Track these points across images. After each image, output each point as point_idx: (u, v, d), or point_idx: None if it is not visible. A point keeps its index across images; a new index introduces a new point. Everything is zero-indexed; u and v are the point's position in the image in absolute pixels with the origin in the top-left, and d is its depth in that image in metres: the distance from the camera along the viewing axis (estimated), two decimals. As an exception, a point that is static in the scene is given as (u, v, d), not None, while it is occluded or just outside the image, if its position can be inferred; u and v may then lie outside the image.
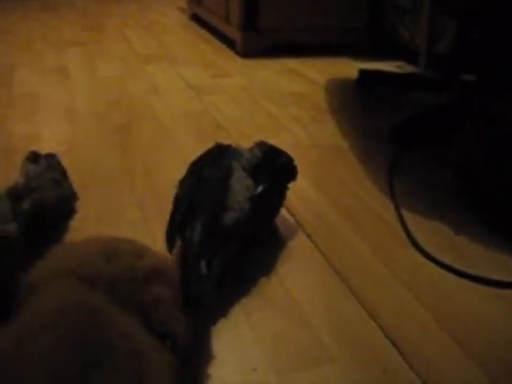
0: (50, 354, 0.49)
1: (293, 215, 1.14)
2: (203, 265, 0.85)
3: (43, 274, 0.67)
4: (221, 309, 0.89)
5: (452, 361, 0.82)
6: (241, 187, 0.97)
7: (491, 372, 0.80)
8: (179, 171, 1.05)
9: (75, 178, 1.08)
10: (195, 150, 1.11)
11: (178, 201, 0.97)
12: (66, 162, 1.08)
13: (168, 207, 1.09)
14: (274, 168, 1.03)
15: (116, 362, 0.50)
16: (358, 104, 1.83)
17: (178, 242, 0.95)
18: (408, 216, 1.16)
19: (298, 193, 1.20)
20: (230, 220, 0.93)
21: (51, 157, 0.93)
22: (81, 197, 1.01)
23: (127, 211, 1.11)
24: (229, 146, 1.07)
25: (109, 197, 1.16)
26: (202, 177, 0.98)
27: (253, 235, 0.95)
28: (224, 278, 0.90)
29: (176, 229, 0.92)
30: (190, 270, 0.84)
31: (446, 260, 1.02)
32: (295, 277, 0.97)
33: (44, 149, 1.09)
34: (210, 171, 0.98)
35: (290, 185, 1.07)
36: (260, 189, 0.98)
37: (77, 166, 0.90)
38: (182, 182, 1.01)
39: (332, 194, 1.23)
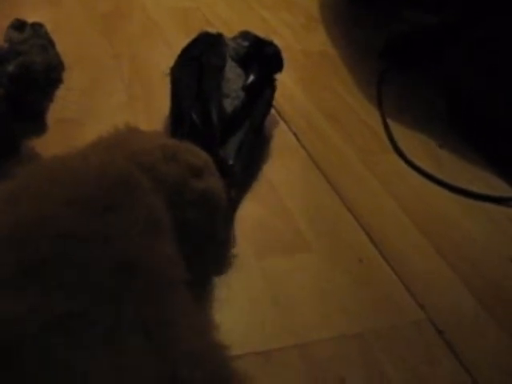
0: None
1: (279, 113, 1.13)
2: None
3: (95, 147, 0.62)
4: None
5: (425, 257, 0.85)
6: (234, 75, 0.96)
7: (459, 269, 0.83)
8: (166, 60, 1.03)
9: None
10: (182, 42, 1.08)
11: (180, 85, 0.95)
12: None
13: (155, 93, 1.08)
14: (262, 58, 1.01)
15: (132, 208, 0.51)
16: (350, 16, 1.79)
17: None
18: (393, 125, 1.15)
19: (286, 94, 1.18)
20: (230, 107, 0.92)
21: (38, 25, 0.89)
22: (65, 79, 0.98)
23: (114, 94, 1.09)
24: (219, 35, 1.05)
25: (95, 80, 1.13)
26: (203, 63, 0.95)
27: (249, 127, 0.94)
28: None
29: (185, 111, 0.91)
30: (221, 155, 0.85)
31: (427, 169, 1.03)
32: (278, 170, 0.97)
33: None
34: (210, 58, 0.96)
35: (277, 79, 1.06)
36: (252, 78, 0.96)
37: (61, 49, 0.87)
38: (177, 69, 0.98)
39: (319, 98, 1.22)
